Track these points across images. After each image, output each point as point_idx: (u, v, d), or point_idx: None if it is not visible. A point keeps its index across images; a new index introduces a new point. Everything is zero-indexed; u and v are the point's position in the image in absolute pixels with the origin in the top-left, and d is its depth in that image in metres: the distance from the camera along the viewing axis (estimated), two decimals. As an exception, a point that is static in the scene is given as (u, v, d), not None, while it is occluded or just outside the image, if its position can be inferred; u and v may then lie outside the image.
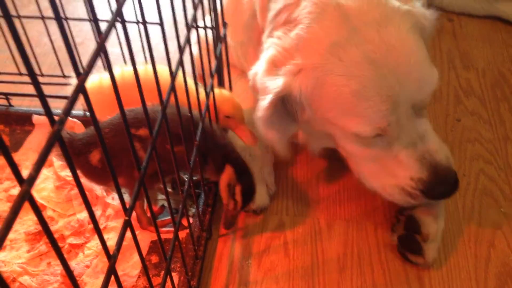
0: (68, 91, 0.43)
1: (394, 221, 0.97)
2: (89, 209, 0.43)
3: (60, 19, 0.38)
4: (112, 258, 0.47)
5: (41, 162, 0.34)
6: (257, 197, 0.98)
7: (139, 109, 0.72)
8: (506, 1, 1.54)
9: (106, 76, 0.92)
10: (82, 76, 0.40)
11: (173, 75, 0.64)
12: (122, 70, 0.90)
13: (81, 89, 0.40)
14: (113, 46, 1.12)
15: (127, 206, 0.52)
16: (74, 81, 0.92)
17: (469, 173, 1.09)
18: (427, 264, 0.91)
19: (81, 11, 1.56)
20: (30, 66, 0.33)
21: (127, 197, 0.81)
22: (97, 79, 0.95)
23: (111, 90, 0.61)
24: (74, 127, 1.13)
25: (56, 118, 0.37)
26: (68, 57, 0.40)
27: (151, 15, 0.69)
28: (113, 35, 0.49)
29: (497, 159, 1.12)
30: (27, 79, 1.22)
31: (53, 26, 1.44)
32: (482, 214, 1.01)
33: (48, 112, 0.36)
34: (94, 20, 0.43)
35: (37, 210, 0.34)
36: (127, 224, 0.50)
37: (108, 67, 0.46)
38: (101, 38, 0.43)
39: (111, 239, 0.94)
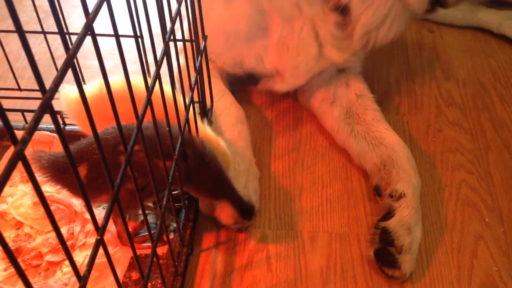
0: (54, 105, 0.42)
1: (373, 234, 0.95)
2: (57, 230, 0.41)
3: (23, 33, 0.37)
4: (82, 279, 0.45)
5: (1, 184, 0.33)
6: None
7: (130, 125, 0.70)
8: (487, 10, 1.56)
9: (92, 87, 0.90)
10: (48, 93, 0.39)
11: (149, 90, 0.63)
12: (101, 82, 0.89)
13: (46, 106, 0.39)
14: (93, 59, 1.11)
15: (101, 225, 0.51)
16: (61, 93, 0.90)
17: (451, 184, 1.09)
18: (404, 277, 0.90)
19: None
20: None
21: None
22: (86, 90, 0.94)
23: (99, 102, 0.60)
24: (54, 142, 1.11)
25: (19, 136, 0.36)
26: (35, 74, 0.39)
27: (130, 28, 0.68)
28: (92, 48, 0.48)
29: (478, 169, 1.13)
30: (2, 93, 1.20)
31: (32, 39, 1.42)
32: (465, 224, 1.01)
33: (9, 130, 0.35)
34: (61, 33, 0.41)
35: (-3, 233, 0.33)
36: (99, 243, 0.49)
37: (77, 83, 0.45)
38: (69, 54, 0.42)
39: (90, 256, 0.92)
